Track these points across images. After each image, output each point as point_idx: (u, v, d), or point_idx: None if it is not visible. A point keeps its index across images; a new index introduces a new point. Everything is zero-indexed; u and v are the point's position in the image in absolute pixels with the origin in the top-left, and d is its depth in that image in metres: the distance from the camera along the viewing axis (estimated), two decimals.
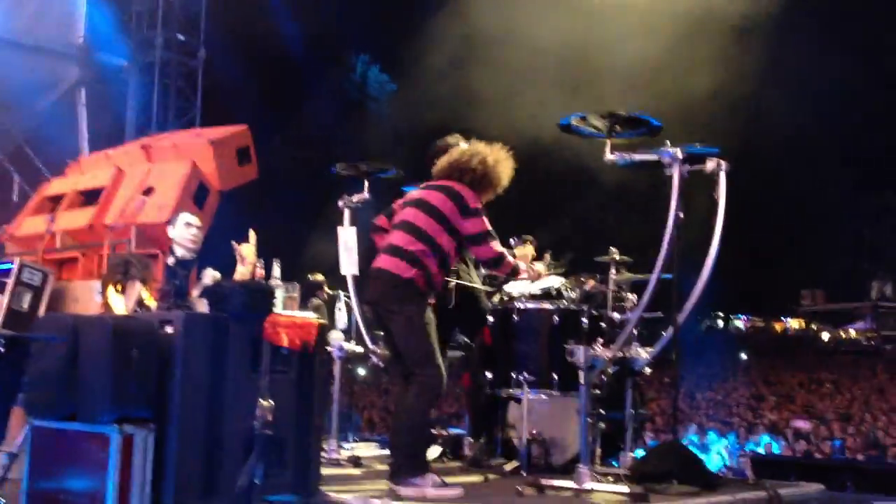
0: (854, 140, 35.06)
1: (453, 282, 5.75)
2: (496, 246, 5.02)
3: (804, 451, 13.54)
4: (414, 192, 5.20)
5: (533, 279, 5.60)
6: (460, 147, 5.27)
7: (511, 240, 6.35)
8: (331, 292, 8.59)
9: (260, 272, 4.93)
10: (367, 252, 5.66)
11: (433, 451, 6.09)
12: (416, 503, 4.39)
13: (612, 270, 6.17)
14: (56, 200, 9.83)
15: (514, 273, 5.20)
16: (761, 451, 13.98)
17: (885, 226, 42.38)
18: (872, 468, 9.34)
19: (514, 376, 5.56)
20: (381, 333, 6.16)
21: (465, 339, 5.90)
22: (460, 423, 6.24)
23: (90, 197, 9.51)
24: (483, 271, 6.37)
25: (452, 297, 5.72)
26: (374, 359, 6.83)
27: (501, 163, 5.15)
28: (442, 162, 5.21)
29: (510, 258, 5.12)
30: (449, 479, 4.90)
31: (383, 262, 5.00)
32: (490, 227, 5.02)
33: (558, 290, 5.86)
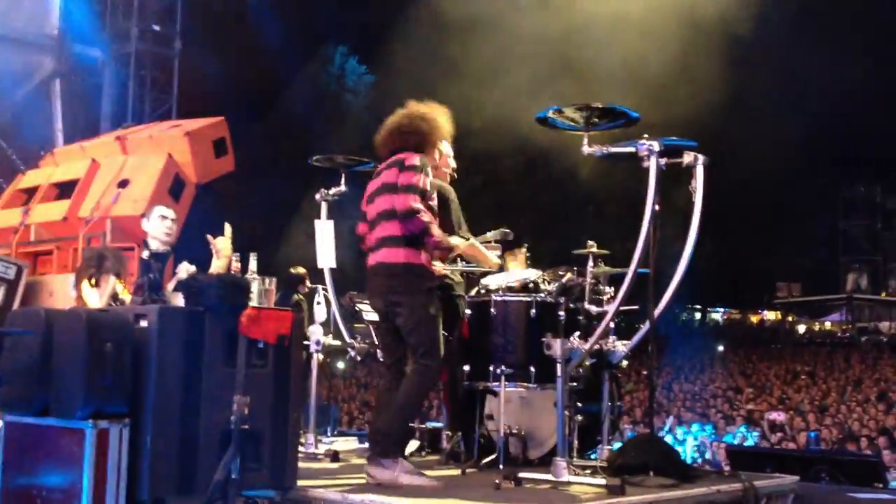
0: (828, 134, 35.29)
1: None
2: (414, 202, 4.85)
3: (779, 441, 13.65)
4: (372, 185, 5.18)
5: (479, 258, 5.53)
6: (393, 116, 5.25)
7: (488, 233, 6.32)
8: (310, 286, 8.56)
9: (236, 266, 4.90)
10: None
11: (411, 445, 6.09)
12: (393, 497, 4.38)
13: (590, 263, 6.18)
14: (30, 193, 9.76)
15: (425, 235, 4.92)
16: (737, 442, 14.08)
17: (860, 219, 42.77)
18: (847, 459, 9.42)
19: (491, 369, 5.55)
20: (375, 324, 6.16)
21: (443, 333, 5.88)
22: (438, 416, 6.24)
23: (65, 189, 9.45)
24: (461, 264, 6.36)
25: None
26: (353, 352, 6.82)
27: (435, 115, 5.22)
28: (381, 136, 5.22)
29: (427, 217, 4.88)
30: (427, 473, 4.90)
31: (377, 256, 5.01)
32: (421, 185, 4.90)
33: (535, 283, 5.85)
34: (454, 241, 5.23)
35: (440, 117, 5.26)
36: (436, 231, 4.93)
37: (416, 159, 4.99)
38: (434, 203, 5.06)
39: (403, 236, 4.90)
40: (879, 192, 43.60)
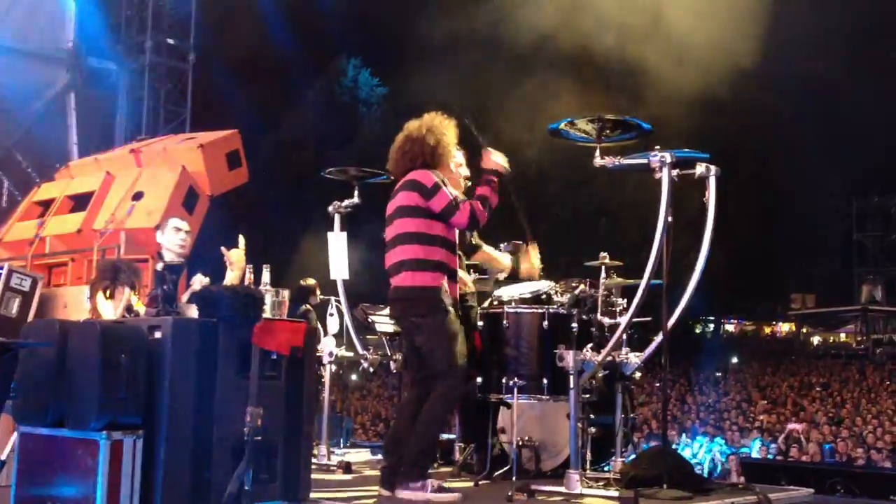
0: (843, 144, 35.16)
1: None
2: (465, 208, 4.92)
3: (794, 454, 13.57)
4: (390, 206, 5.19)
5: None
6: (400, 135, 5.24)
7: (501, 245, 6.34)
8: (322, 297, 8.57)
9: (249, 277, 4.92)
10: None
11: None
12: None
13: (602, 275, 6.17)
14: (45, 205, 9.79)
15: (489, 205, 5.01)
16: (752, 454, 14.00)
17: (874, 229, 42.53)
18: (863, 472, 9.37)
19: (504, 381, 5.55)
20: (390, 336, 6.16)
21: None
22: (450, 428, 6.25)
23: (80, 202, 9.48)
24: (474, 275, 6.36)
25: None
26: (365, 364, 6.82)
27: (437, 128, 5.16)
28: (391, 157, 5.23)
29: (480, 206, 4.97)
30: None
31: (395, 280, 5.01)
32: (455, 195, 4.96)
33: (548, 295, 5.85)
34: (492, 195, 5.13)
35: (444, 128, 5.22)
36: (479, 207, 4.97)
37: (433, 177, 4.99)
38: None
39: (420, 260, 4.91)
40: (894, 203, 43.36)
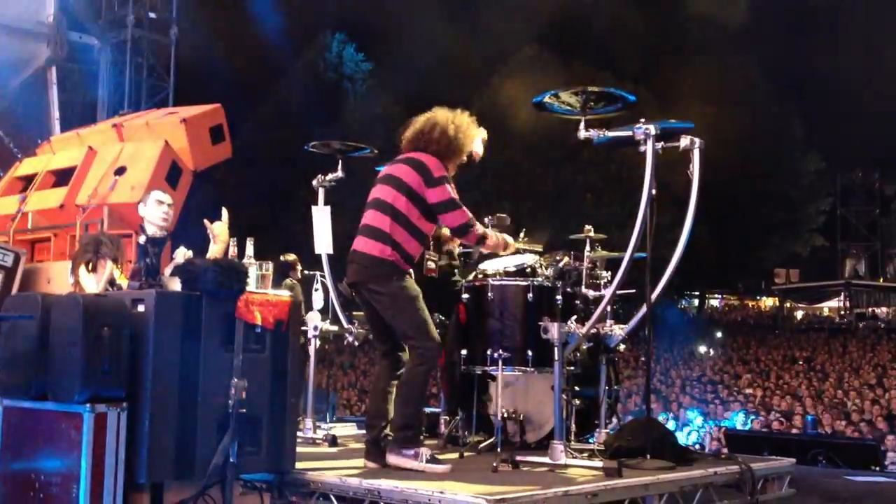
0: (826, 120, 35.27)
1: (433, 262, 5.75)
2: (463, 214, 4.96)
3: (777, 426, 13.70)
4: (384, 169, 5.18)
5: (503, 248, 5.47)
6: (422, 116, 5.21)
7: (486, 219, 6.34)
8: (306, 272, 8.55)
9: (233, 251, 4.90)
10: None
11: None
12: (389, 479, 4.39)
13: (587, 247, 6.19)
14: (27, 180, 9.74)
15: (482, 241, 5.11)
16: (736, 427, 14.12)
17: (858, 205, 42.76)
18: (844, 443, 9.46)
19: (488, 353, 5.56)
20: (363, 313, 6.16)
21: (440, 317, 5.90)
22: (435, 401, 6.27)
23: (62, 177, 9.43)
24: (458, 248, 6.37)
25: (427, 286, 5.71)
26: (350, 338, 6.82)
27: (464, 129, 5.11)
28: (407, 133, 5.19)
29: (478, 226, 5.05)
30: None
31: (358, 243, 5.00)
32: (456, 195, 4.97)
33: (533, 268, 5.86)
34: (490, 232, 5.23)
35: (472, 135, 5.15)
36: (480, 230, 5.07)
37: (443, 170, 4.97)
38: None
39: (385, 233, 4.89)
40: (877, 178, 43.61)
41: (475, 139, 5.19)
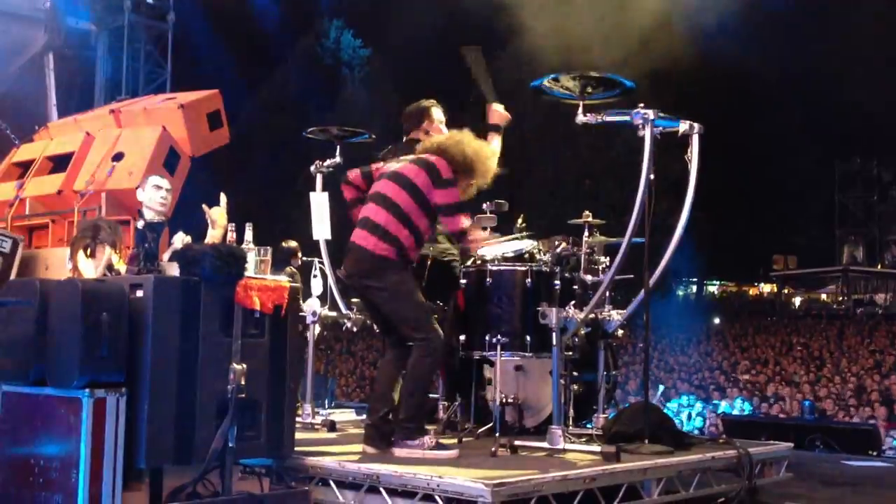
0: (824, 106, 35.20)
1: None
2: (463, 221, 4.94)
3: (776, 410, 13.74)
4: (392, 164, 5.15)
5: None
6: (451, 133, 5.14)
7: (484, 204, 6.32)
8: (305, 259, 8.55)
9: (231, 236, 4.89)
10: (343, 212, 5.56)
11: None
12: (388, 464, 4.40)
13: (585, 233, 6.19)
14: (25, 166, 9.71)
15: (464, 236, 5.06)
16: (734, 412, 14.17)
17: (856, 191, 42.74)
18: (842, 427, 9.49)
19: (487, 339, 5.57)
20: (359, 301, 6.16)
21: (438, 303, 5.90)
22: (434, 386, 6.29)
23: (59, 163, 9.41)
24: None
25: (426, 272, 5.70)
26: (349, 324, 6.82)
27: (487, 158, 5.05)
28: (430, 141, 5.15)
29: (472, 235, 5.03)
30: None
31: (358, 236, 4.99)
32: (460, 200, 4.95)
33: (531, 253, 5.86)
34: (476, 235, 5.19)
35: (486, 162, 5.05)
36: (477, 239, 5.09)
37: (450, 172, 4.93)
38: None
39: (387, 231, 4.88)
40: (875, 165, 43.57)
41: (492, 172, 5.12)
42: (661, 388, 16.19)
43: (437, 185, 4.90)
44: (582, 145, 30.31)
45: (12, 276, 6.97)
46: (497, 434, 5.33)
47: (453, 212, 4.93)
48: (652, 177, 5.00)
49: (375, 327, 6.21)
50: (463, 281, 5.83)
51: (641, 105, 5.05)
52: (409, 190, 4.91)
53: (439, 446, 4.80)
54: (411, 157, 5.10)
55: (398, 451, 4.80)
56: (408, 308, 4.88)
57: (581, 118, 5.19)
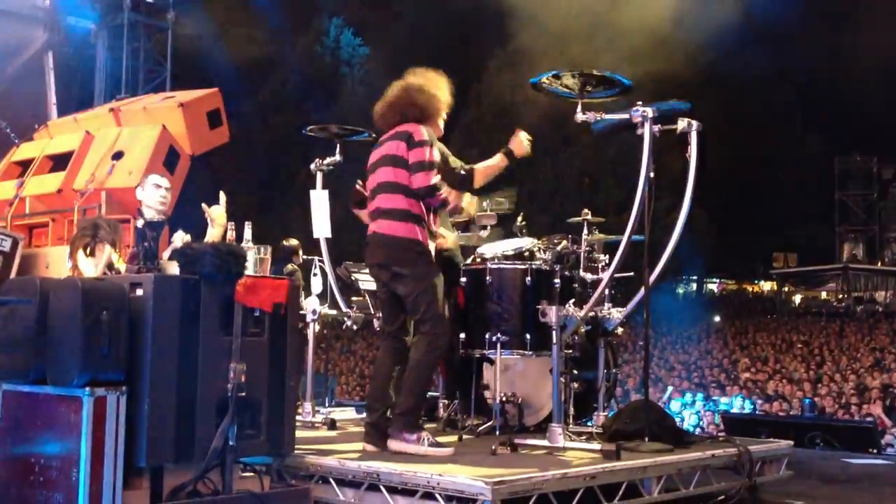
0: (824, 104, 35.21)
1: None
2: (431, 177, 4.91)
3: (776, 408, 13.75)
4: (374, 155, 5.17)
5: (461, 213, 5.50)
6: (390, 91, 5.21)
7: (484, 202, 6.32)
8: (305, 257, 8.56)
9: (231, 235, 4.90)
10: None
11: None
12: (388, 462, 4.40)
13: (585, 231, 6.19)
14: (24, 165, 9.71)
15: (445, 204, 5.06)
16: (734, 410, 14.17)
17: (856, 189, 42.70)
18: (842, 425, 9.49)
19: (487, 337, 5.57)
20: (373, 293, 6.15)
21: None
22: (434, 384, 6.30)
23: (59, 161, 9.41)
24: (455, 233, 6.36)
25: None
26: (349, 322, 6.83)
27: (433, 83, 5.18)
28: (380, 109, 5.21)
29: (444, 191, 4.98)
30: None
31: (379, 226, 5.01)
32: (432, 159, 4.94)
33: (531, 251, 5.87)
34: (465, 200, 5.24)
35: (438, 88, 5.22)
36: (452, 199, 5.04)
37: (423, 133, 4.97)
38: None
39: (403, 210, 4.91)
40: (875, 162, 43.54)
41: (446, 89, 5.23)
42: (670, 389, 16.20)
43: (410, 146, 4.94)
44: (581, 144, 30.29)
45: (12, 275, 6.96)
46: (497, 432, 5.33)
47: (419, 169, 4.90)
48: (652, 174, 5.01)
49: (376, 323, 6.22)
50: (463, 279, 5.83)
51: (640, 103, 5.05)
52: (398, 164, 4.96)
53: (436, 443, 4.80)
54: (387, 135, 5.14)
55: (394, 444, 4.80)
56: (429, 300, 4.88)
57: (580, 117, 5.19)
